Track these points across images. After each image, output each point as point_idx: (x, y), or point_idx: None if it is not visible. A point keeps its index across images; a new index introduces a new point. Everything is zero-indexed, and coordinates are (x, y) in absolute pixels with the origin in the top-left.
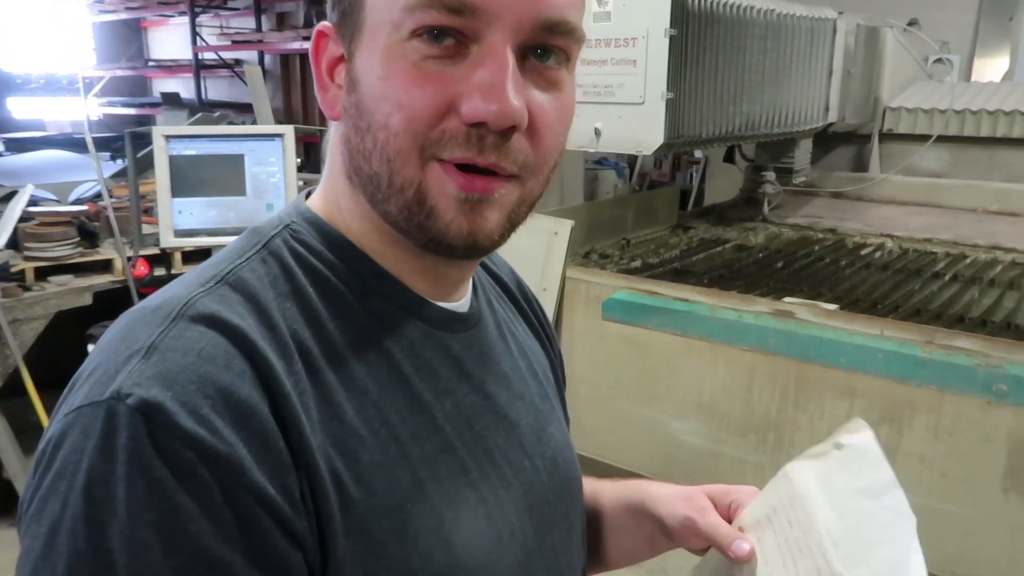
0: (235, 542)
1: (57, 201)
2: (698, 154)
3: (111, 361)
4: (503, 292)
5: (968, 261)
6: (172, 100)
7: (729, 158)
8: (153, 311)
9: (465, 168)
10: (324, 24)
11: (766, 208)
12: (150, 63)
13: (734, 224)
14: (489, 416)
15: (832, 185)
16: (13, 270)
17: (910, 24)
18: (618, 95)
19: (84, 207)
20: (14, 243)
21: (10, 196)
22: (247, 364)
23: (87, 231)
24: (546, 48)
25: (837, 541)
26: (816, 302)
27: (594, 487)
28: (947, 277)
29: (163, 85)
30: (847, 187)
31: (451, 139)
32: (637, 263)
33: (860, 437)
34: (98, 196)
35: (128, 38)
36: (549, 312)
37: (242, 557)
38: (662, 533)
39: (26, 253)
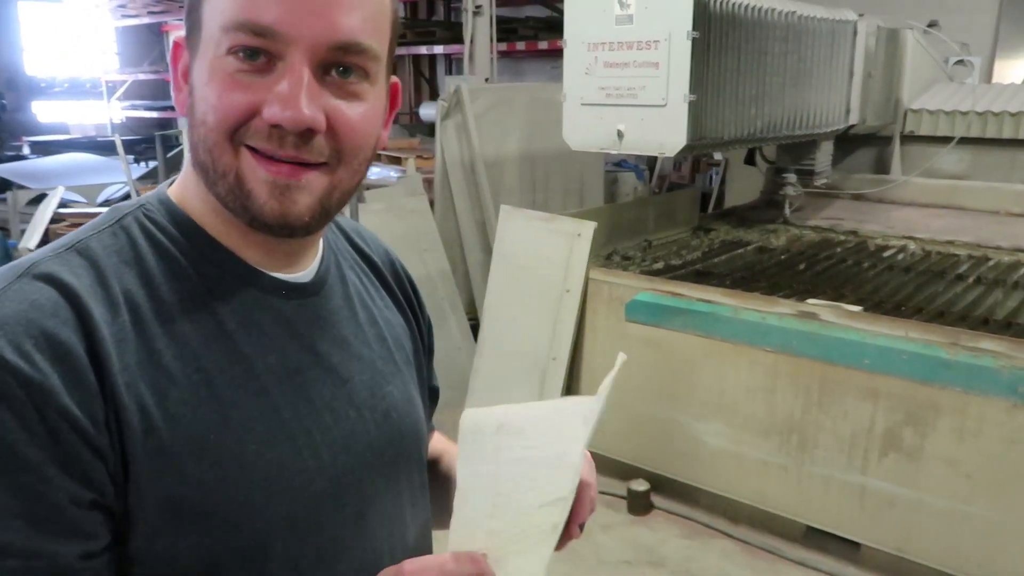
0: (46, 449)
1: (86, 203)
2: (718, 156)
3: None
4: (369, 268)
5: (991, 263)
6: None
7: (750, 160)
8: (10, 269)
9: (272, 158)
10: (178, 35)
11: (787, 210)
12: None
13: (755, 226)
14: (316, 371)
15: (853, 187)
16: None
17: (930, 26)
18: (640, 97)
19: None
20: (45, 243)
21: (40, 198)
22: (72, 314)
23: None
24: (345, 66)
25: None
26: (840, 303)
27: (445, 447)
28: (971, 279)
29: None
30: (868, 189)
31: (255, 132)
32: (659, 265)
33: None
34: (126, 198)
35: (150, 42)
36: (572, 314)
37: (50, 460)
38: None
39: None
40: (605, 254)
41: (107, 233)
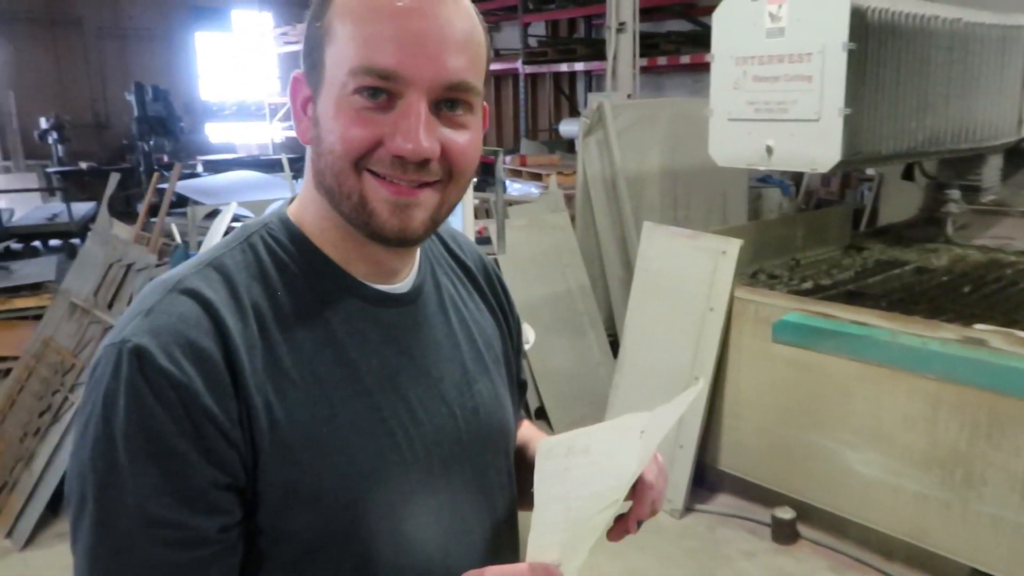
0: (191, 440)
1: (253, 217)
2: (871, 171)
3: (129, 316)
4: (463, 273)
5: None
6: None
7: (908, 175)
8: (161, 284)
9: (393, 181)
10: (298, 71)
11: (950, 228)
12: None
13: (913, 245)
14: (412, 372)
15: None
16: None
17: None
18: (791, 112)
19: None
20: None
21: (213, 212)
22: (211, 325)
23: None
24: (453, 101)
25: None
26: (1011, 330)
27: (534, 437)
28: None
29: None
30: None
31: (379, 160)
32: (808, 284)
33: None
34: None
35: None
36: (716, 332)
37: (194, 449)
38: None
39: None
40: (750, 272)
41: (238, 250)
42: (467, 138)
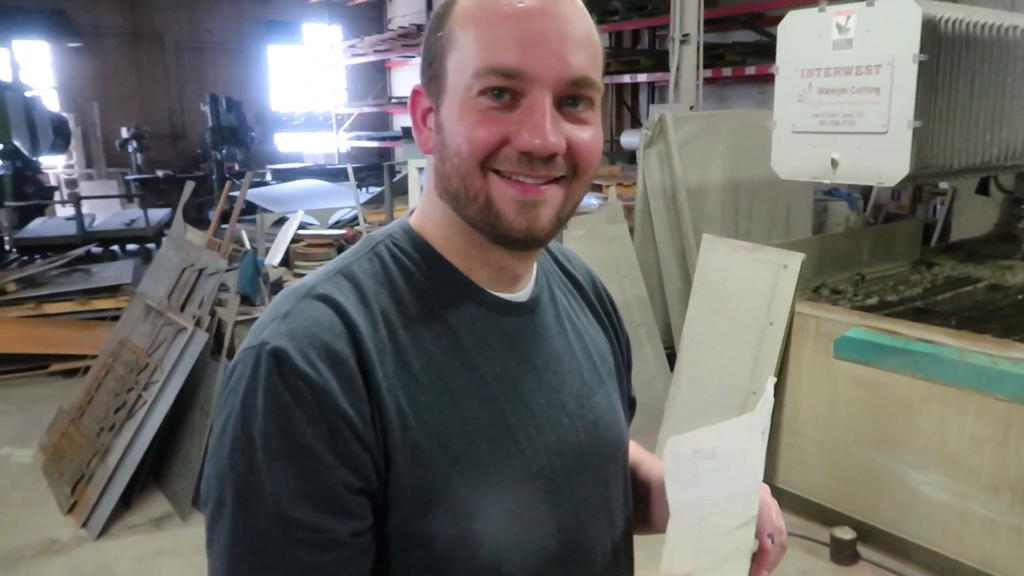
0: (326, 441)
1: (319, 224)
2: (943, 185)
3: (266, 321)
4: (573, 287)
5: None
6: (410, 134)
7: (982, 189)
8: (295, 290)
9: (519, 181)
10: (418, 84)
11: None
12: (392, 100)
13: (987, 262)
14: (533, 381)
15: None
16: (285, 284)
17: None
18: (858, 124)
19: (343, 231)
20: (286, 261)
21: (281, 220)
22: (344, 329)
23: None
24: (575, 97)
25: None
26: None
27: (643, 456)
28: None
29: (403, 120)
30: None
31: (505, 159)
32: (873, 300)
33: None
34: (354, 220)
35: (374, 78)
36: (776, 347)
37: (330, 452)
38: None
39: (295, 270)
40: (813, 287)
41: (364, 259)
42: (590, 134)
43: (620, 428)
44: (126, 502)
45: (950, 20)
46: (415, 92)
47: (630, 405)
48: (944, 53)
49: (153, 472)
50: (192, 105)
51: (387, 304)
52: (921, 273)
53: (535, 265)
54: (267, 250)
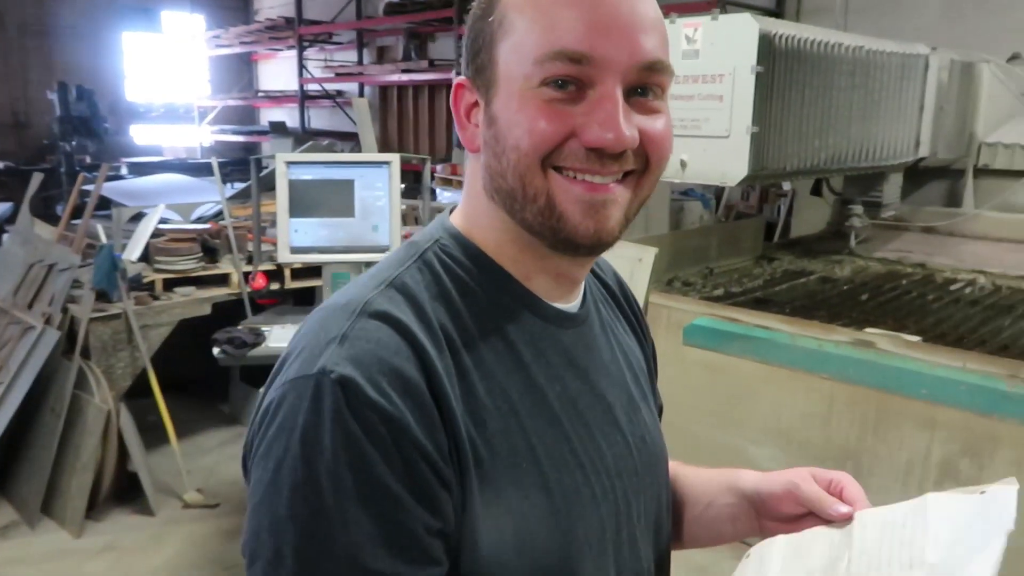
0: (403, 480)
1: (180, 220)
2: (786, 187)
3: (315, 345)
4: (608, 295)
5: None
6: (278, 128)
7: (816, 191)
8: (342, 308)
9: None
10: (461, 77)
11: (853, 241)
12: (259, 94)
13: (820, 257)
14: (590, 398)
15: (923, 220)
16: (144, 281)
17: (1011, 59)
18: (704, 128)
19: (207, 225)
20: (146, 256)
21: (139, 216)
22: (411, 351)
23: (208, 247)
24: (644, 86)
25: (932, 564)
26: (899, 333)
27: (676, 468)
28: None
29: (270, 114)
30: (939, 222)
31: (570, 154)
32: (719, 291)
33: (1004, 488)
34: (218, 215)
35: (240, 70)
36: None
37: (408, 491)
38: (747, 509)
39: (156, 266)
40: (666, 280)
41: (415, 268)
42: (663, 123)
43: (662, 443)
44: None
45: (784, 36)
46: (458, 86)
47: (659, 414)
48: (778, 65)
49: None
50: (38, 93)
51: (445, 320)
52: (762, 267)
53: None
54: (124, 246)
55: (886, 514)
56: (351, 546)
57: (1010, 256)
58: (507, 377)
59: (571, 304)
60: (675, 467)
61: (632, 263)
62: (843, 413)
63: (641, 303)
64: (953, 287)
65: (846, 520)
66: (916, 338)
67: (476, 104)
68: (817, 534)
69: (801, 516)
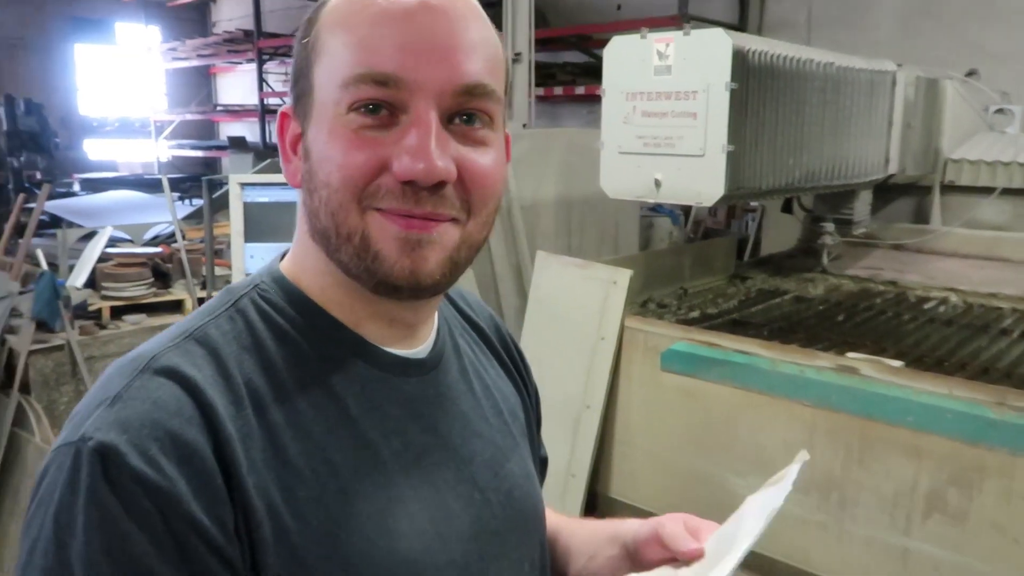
0: (174, 563)
1: (131, 242)
2: (754, 203)
3: (87, 407)
4: (478, 336)
5: None
6: (238, 144)
7: (787, 208)
8: (129, 363)
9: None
10: (286, 106)
11: (825, 259)
12: (218, 108)
13: (792, 275)
14: (439, 453)
15: (892, 237)
16: (91, 309)
17: (968, 75)
18: (678, 147)
19: (158, 249)
20: (92, 282)
21: (90, 236)
22: (196, 411)
23: (160, 272)
24: (470, 113)
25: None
26: (880, 358)
27: (558, 522)
28: (1015, 334)
29: (230, 129)
30: (908, 239)
31: (387, 192)
32: (695, 313)
33: (793, 466)
34: (171, 237)
35: (198, 84)
36: (607, 362)
37: (179, 574)
38: (626, 559)
39: (103, 293)
40: (640, 301)
41: (224, 318)
42: (490, 158)
43: (536, 497)
44: None
45: (757, 51)
46: (282, 115)
47: (542, 465)
48: (752, 82)
49: None
50: None
51: (254, 374)
52: (736, 286)
53: (435, 313)
54: (70, 268)
55: (722, 530)
56: None
57: (978, 273)
58: (329, 435)
59: (417, 349)
60: (557, 521)
61: (607, 285)
62: (826, 441)
63: (617, 327)
64: (926, 306)
65: (699, 556)
66: (898, 363)
67: (300, 136)
68: (667, 570)
69: (670, 560)
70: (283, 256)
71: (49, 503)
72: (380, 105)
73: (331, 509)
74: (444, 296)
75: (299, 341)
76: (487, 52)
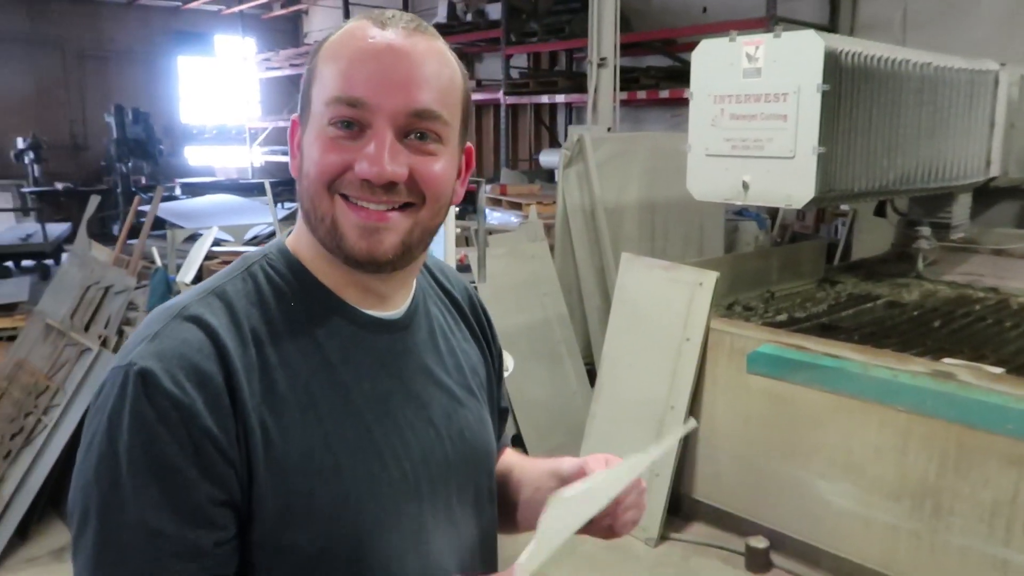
0: (191, 458)
1: (233, 241)
2: (845, 207)
3: (134, 342)
4: (451, 304)
5: None
6: None
7: (880, 212)
8: (165, 311)
9: (361, 206)
10: (295, 114)
11: (921, 264)
12: None
13: (885, 280)
14: (402, 396)
15: (994, 242)
16: None
17: None
18: (767, 149)
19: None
20: (199, 278)
21: (194, 237)
22: (213, 349)
23: None
24: (421, 131)
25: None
26: (979, 364)
27: (513, 461)
28: None
29: None
30: (1011, 244)
31: (349, 184)
32: (783, 316)
33: (677, 432)
34: (270, 237)
35: (291, 92)
36: (692, 363)
37: (194, 467)
38: (560, 487)
39: None
40: (726, 304)
41: (239, 279)
42: (438, 164)
43: (487, 438)
44: (23, 534)
45: (850, 53)
46: (293, 122)
47: (501, 414)
48: (845, 83)
49: (52, 500)
50: (95, 115)
51: (257, 324)
52: (826, 291)
53: (414, 284)
54: (179, 267)
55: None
56: (141, 511)
57: None
58: (311, 375)
59: (392, 312)
60: (513, 460)
61: (692, 287)
62: (920, 448)
63: (702, 329)
64: None
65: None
66: (999, 369)
67: (302, 137)
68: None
69: None
70: (290, 232)
71: (104, 408)
72: (351, 122)
73: (309, 432)
74: (424, 269)
75: (293, 300)
76: (439, 85)
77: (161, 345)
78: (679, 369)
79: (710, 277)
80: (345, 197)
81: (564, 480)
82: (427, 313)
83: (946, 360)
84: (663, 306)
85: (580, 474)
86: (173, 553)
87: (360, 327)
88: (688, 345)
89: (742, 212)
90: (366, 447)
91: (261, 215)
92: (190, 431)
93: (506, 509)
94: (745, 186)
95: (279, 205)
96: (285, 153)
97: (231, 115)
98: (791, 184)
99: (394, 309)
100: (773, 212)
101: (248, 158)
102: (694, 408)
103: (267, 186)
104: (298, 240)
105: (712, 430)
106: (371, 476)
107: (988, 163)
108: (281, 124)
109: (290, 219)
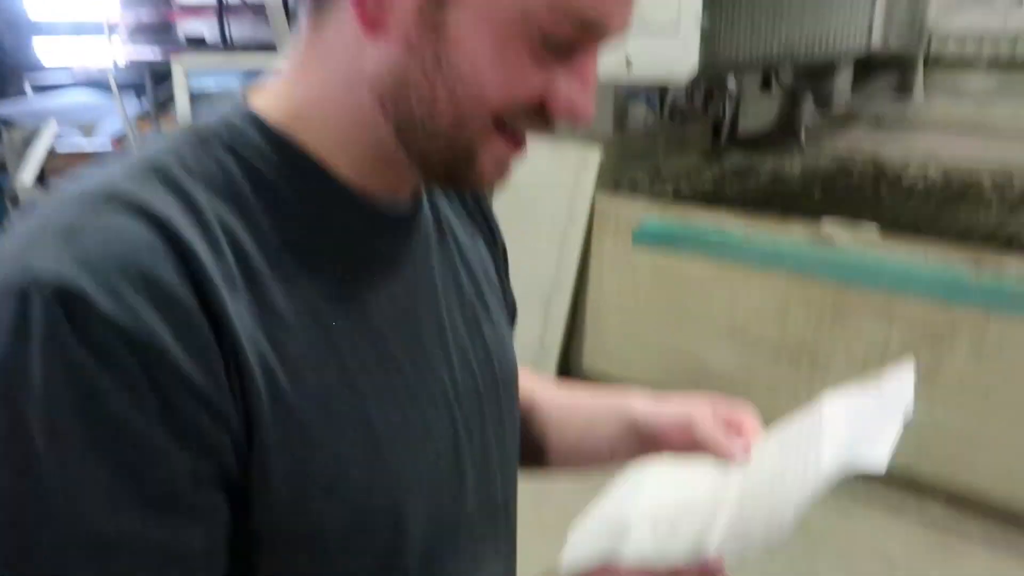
0: (159, 420)
1: (83, 138)
2: (731, 85)
3: (25, 242)
4: (455, 196)
5: (1017, 185)
6: (197, 43)
7: (765, 85)
8: (80, 192)
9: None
10: None
11: (803, 136)
12: (174, 5)
13: (769, 153)
14: (423, 310)
15: (873, 112)
16: None
17: None
18: (650, 23)
19: (108, 145)
20: (42, 179)
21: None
22: (170, 250)
23: None
24: None
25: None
26: (853, 225)
27: (533, 386)
28: (994, 201)
29: (187, 27)
30: (889, 114)
31: (524, 114)
32: (668, 191)
33: (901, 369)
34: (123, 134)
35: None
36: (577, 242)
37: (166, 433)
38: (631, 438)
39: (52, 189)
40: (612, 182)
41: (189, 156)
42: None
43: (511, 356)
44: None
45: None
46: None
47: (512, 310)
48: None
49: None
50: None
51: (229, 219)
52: (711, 166)
53: None
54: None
55: (781, 435)
56: (81, 510)
57: (961, 145)
58: (315, 293)
59: (402, 207)
60: (534, 386)
61: (576, 165)
62: (799, 308)
63: (587, 206)
64: (906, 179)
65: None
66: (872, 229)
67: None
68: (707, 465)
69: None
70: (245, 96)
71: None
72: (572, 44)
73: (325, 372)
74: None
75: (278, 184)
76: None
77: (85, 245)
78: (565, 249)
79: (594, 154)
80: (500, 125)
81: (643, 433)
82: (434, 205)
83: (824, 221)
84: (547, 186)
85: (680, 437)
86: (136, 564)
87: (368, 221)
88: (573, 224)
89: (631, 93)
90: (393, 380)
91: (115, 113)
92: (152, 375)
93: (528, 438)
94: (628, 62)
95: (141, 100)
96: (156, 48)
97: (88, 7)
98: (674, 58)
99: (402, 196)
100: (662, 91)
101: (109, 55)
102: (580, 286)
103: (111, 80)
104: (296, 114)
105: (600, 306)
106: (406, 426)
107: (870, 32)
108: (145, 16)
109: (146, 115)
